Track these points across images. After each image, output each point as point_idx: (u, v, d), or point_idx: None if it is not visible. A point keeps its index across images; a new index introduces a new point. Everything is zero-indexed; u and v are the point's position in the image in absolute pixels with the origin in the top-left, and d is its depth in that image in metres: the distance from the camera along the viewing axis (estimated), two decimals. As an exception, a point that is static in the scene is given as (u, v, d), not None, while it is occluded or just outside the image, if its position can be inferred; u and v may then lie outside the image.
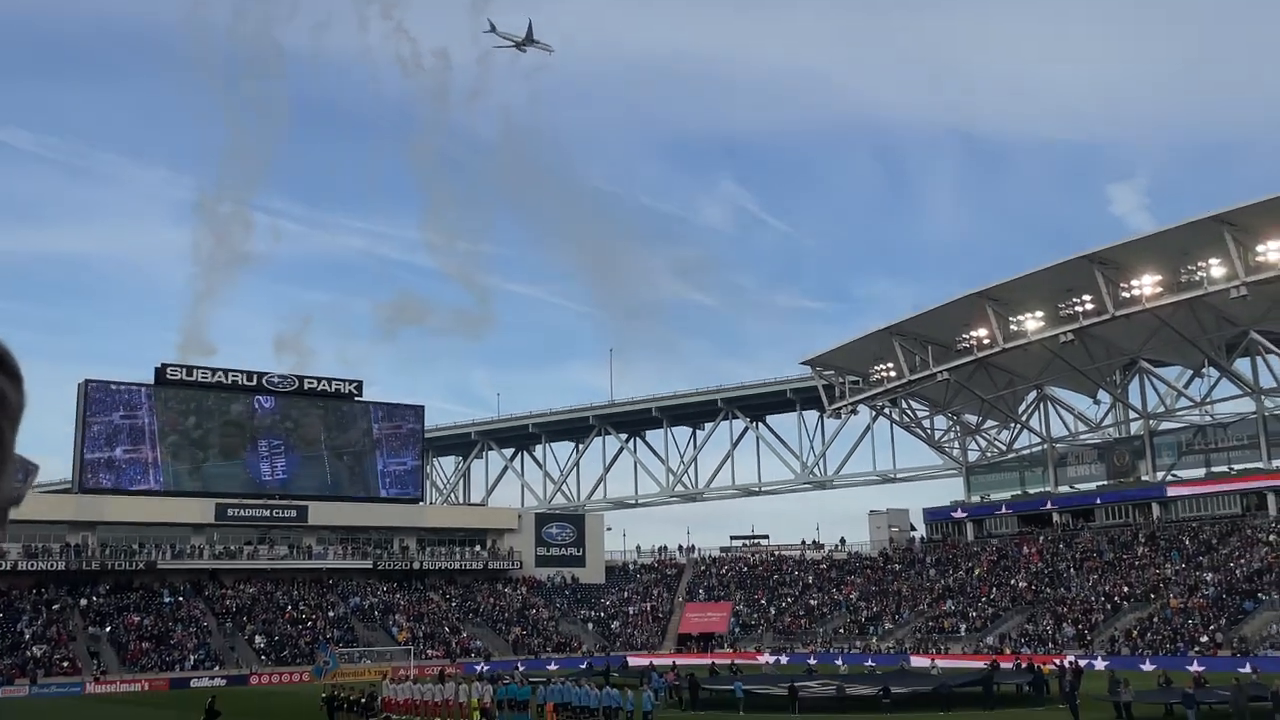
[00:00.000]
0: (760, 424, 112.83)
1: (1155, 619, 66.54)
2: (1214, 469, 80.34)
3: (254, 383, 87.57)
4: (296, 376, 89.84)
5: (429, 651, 77.24)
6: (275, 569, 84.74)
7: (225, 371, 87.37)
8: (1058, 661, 53.49)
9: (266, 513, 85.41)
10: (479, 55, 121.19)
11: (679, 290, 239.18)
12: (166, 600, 79.02)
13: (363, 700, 37.36)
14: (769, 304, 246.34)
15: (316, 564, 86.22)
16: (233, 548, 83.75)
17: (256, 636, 76.41)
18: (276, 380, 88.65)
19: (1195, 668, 54.51)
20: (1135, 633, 65.76)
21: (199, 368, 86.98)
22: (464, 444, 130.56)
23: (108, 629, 73.60)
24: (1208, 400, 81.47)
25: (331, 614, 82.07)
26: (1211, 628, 63.25)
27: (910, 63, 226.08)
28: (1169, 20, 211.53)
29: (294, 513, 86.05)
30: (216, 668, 71.36)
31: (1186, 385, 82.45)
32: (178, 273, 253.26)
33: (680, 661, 67.64)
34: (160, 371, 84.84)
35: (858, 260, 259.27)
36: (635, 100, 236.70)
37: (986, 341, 77.57)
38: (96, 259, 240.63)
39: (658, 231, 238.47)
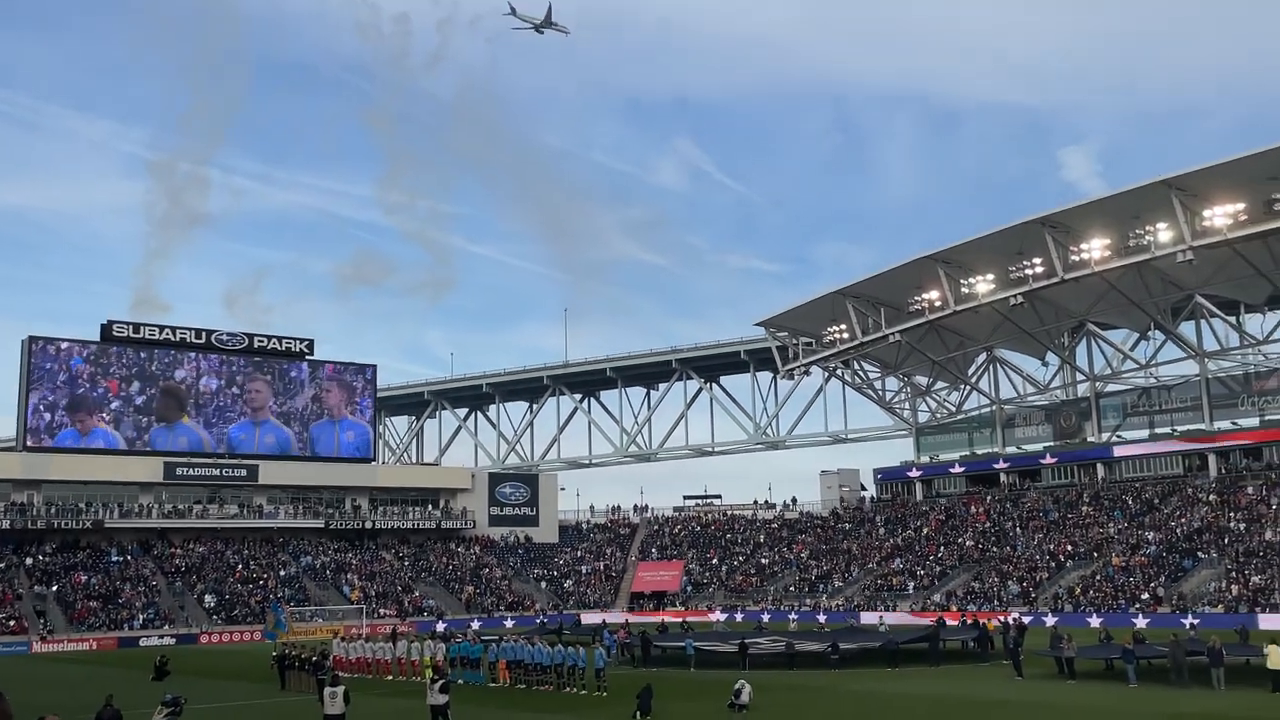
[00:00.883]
0: (714, 385, 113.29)
1: (1098, 577, 67.90)
2: (1158, 430, 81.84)
3: (203, 340, 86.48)
4: (246, 335, 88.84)
5: (381, 611, 77.24)
6: (225, 528, 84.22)
7: (173, 329, 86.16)
8: (1002, 618, 54.55)
9: (216, 472, 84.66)
10: (438, 21, 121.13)
11: (634, 250, 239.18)
12: (114, 559, 78.29)
13: (314, 659, 37.23)
14: (723, 265, 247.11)
15: (267, 523, 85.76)
16: (181, 507, 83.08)
17: (206, 596, 75.96)
18: (226, 338, 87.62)
19: (1140, 622, 55.89)
20: (1078, 590, 67.10)
21: (146, 325, 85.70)
22: (417, 404, 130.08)
23: (54, 588, 72.83)
24: (1153, 363, 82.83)
25: (283, 573, 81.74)
26: (1153, 585, 64.66)
27: (865, 26, 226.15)
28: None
29: (244, 472, 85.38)
30: (166, 627, 70.91)
31: (1133, 348, 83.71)
32: (128, 228, 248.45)
33: (632, 619, 68.19)
34: (106, 328, 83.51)
35: (813, 222, 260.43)
36: (592, 61, 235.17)
37: (938, 304, 78.21)
38: (42, 213, 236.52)
39: (613, 191, 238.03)
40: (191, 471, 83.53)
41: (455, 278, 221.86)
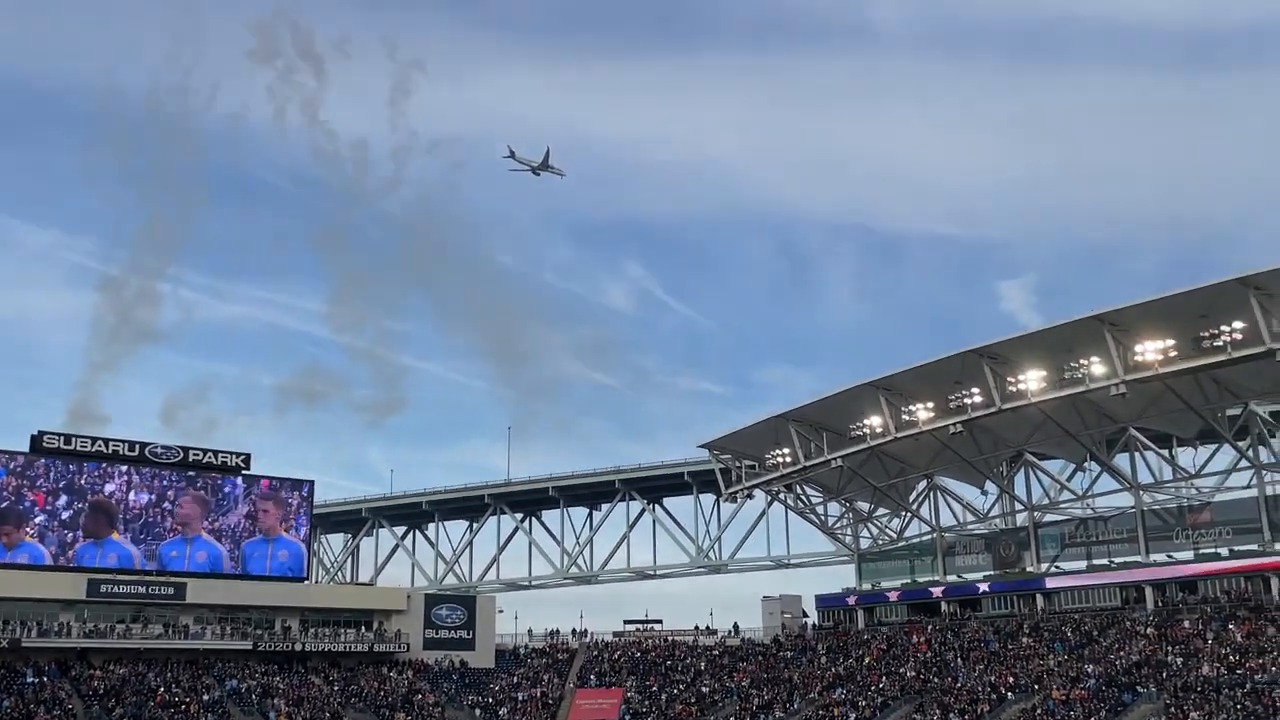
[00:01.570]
0: (657, 506, 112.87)
1: (1039, 710, 67.33)
2: (1095, 561, 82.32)
3: (136, 453, 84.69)
4: (181, 448, 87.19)
5: (308, 738, 74.46)
6: (148, 649, 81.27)
7: (105, 441, 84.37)
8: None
9: (142, 589, 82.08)
10: (394, 147, 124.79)
11: (582, 370, 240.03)
12: (30, 680, 75.02)
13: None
14: (670, 386, 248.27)
15: (193, 644, 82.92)
16: (103, 626, 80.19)
17: (124, 721, 72.88)
18: (160, 451, 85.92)
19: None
20: (1019, 724, 66.44)
21: (78, 437, 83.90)
22: (354, 521, 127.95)
23: (-38, 712, 69.53)
24: (1089, 494, 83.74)
25: (206, 697, 78.70)
26: (1093, 719, 64.21)
27: (811, 158, 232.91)
28: (1057, 126, 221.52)
29: (171, 590, 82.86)
30: (79, 755, 67.75)
31: (1069, 478, 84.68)
32: (68, 339, 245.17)
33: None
34: (36, 439, 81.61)
35: (758, 346, 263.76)
36: (545, 183, 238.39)
37: (879, 430, 78.88)
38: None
39: (563, 311, 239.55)
40: (116, 589, 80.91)
41: (403, 401, 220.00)
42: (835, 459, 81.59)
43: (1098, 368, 67.37)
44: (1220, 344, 63.02)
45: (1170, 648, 69.60)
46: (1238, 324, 62.14)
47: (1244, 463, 75.16)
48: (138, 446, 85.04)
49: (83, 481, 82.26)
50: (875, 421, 78.92)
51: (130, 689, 77.37)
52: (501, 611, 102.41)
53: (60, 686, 75.61)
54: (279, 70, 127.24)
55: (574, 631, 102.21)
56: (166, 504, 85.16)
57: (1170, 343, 64.63)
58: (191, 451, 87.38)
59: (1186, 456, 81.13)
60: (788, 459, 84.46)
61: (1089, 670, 70.34)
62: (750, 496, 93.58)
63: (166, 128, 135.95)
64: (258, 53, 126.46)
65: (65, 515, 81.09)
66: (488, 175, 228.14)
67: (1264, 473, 73.78)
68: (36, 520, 79.89)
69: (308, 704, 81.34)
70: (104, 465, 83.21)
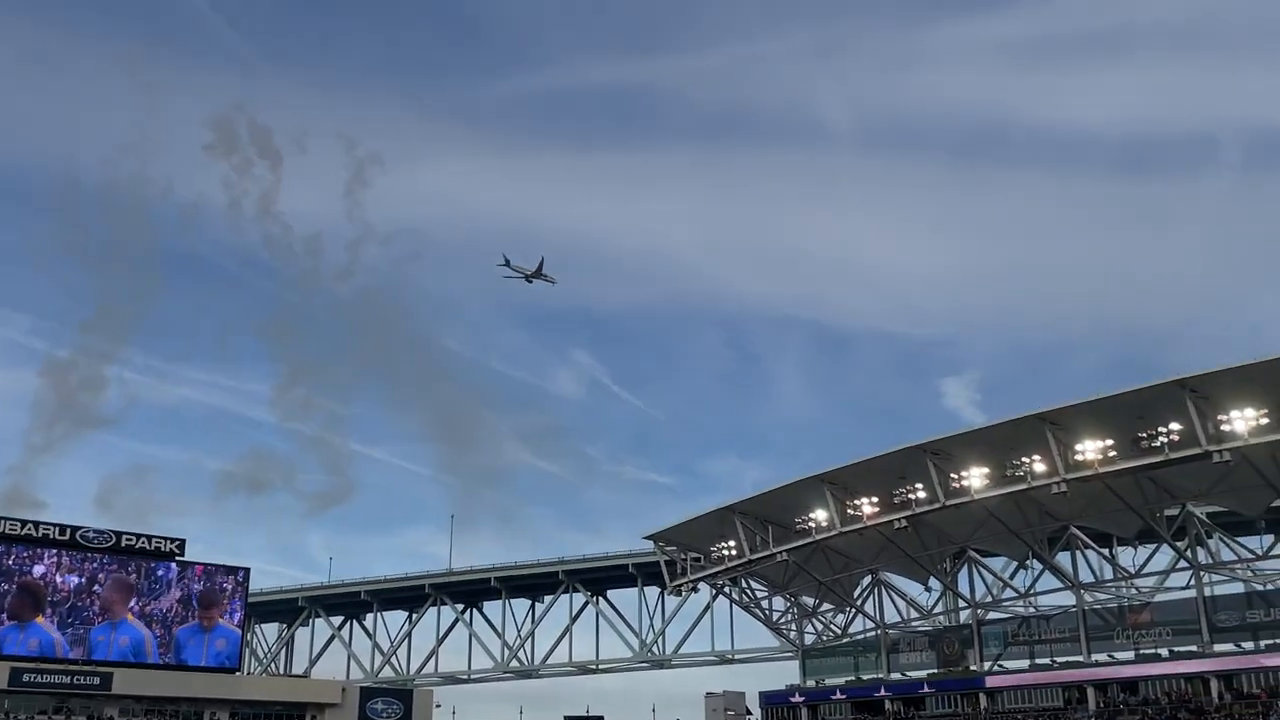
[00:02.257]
0: (601, 598, 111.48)
1: (982, 812, 66.64)
2: (1038, 660, 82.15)
3: (67, 537, 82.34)
4: (114, 532, 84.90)
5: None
6: (69, 742, 78.18)
7: (35, 524, 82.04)
8: None
9: (67, 679, 79.09)
10: (349, 238, 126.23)
11: (528, 458, 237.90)
12: (-60, 776, 71.82)
13: None
14: (616, 475, 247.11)
15: (117, 737, 79.92)
16: (23, 718, 77.03)
17: (40, 819, 69.73)
18: (92, 535, 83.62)
19: None
20: (963, 827, 65.63)
21: (8, 519, 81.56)
22: (290, 610, 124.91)
23: None
24: (1031, 592, 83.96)
25: (128, 794, 75.75)
26: (1036, 823, 63.61)
27: (760, 253, 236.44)
28: (1001, 227, 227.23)
29: (97, 680, 79.92)
30: None
31: (1012, 576, 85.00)
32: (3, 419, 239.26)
33: None
34: (-37, 522, 79.19)
35: (706, 437, 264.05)
36: (495, 270, 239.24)
37: (824, 524, 78.87)
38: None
39: (511, 398, 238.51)
40: (40, 679, 77.90)
41: (350, 489, 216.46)
42: (781, 553, 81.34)
43: (1039, 465, 68.12)
44: (1158, 444, 64.08)
45: (1113, 749, 69.41)
46: (1175, 425, 63.27)
47: (1183, 563, 75.96)
48: (69, 530, 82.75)
49: (10, 563, 79.67)
50: (821, 515, 78.95)
51: (48, 784, 74.21)
52: (439, 706, 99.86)
53: (-27, 781, 72.39)
54: (235, 164, 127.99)
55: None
56: (97, 587, 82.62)
57: (1109, 442, 65.62)
58: (124, 536, 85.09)
59: (1127, 556, 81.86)
60: (733, 552, 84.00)
61: (1032, 771, 69.86)
62: (695, 589, 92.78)
63: (119, 211, 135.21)
64: (216, 147, 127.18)
65: (-11, 599, 78.28)
66: (440, 263, 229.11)
67: (1202, 574, 74.52)
68: (-42, 605, 77.06)
69: (234, 801, 78.42)
70: (34, 549, 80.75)
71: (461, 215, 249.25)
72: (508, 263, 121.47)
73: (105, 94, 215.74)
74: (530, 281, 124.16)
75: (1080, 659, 78.86)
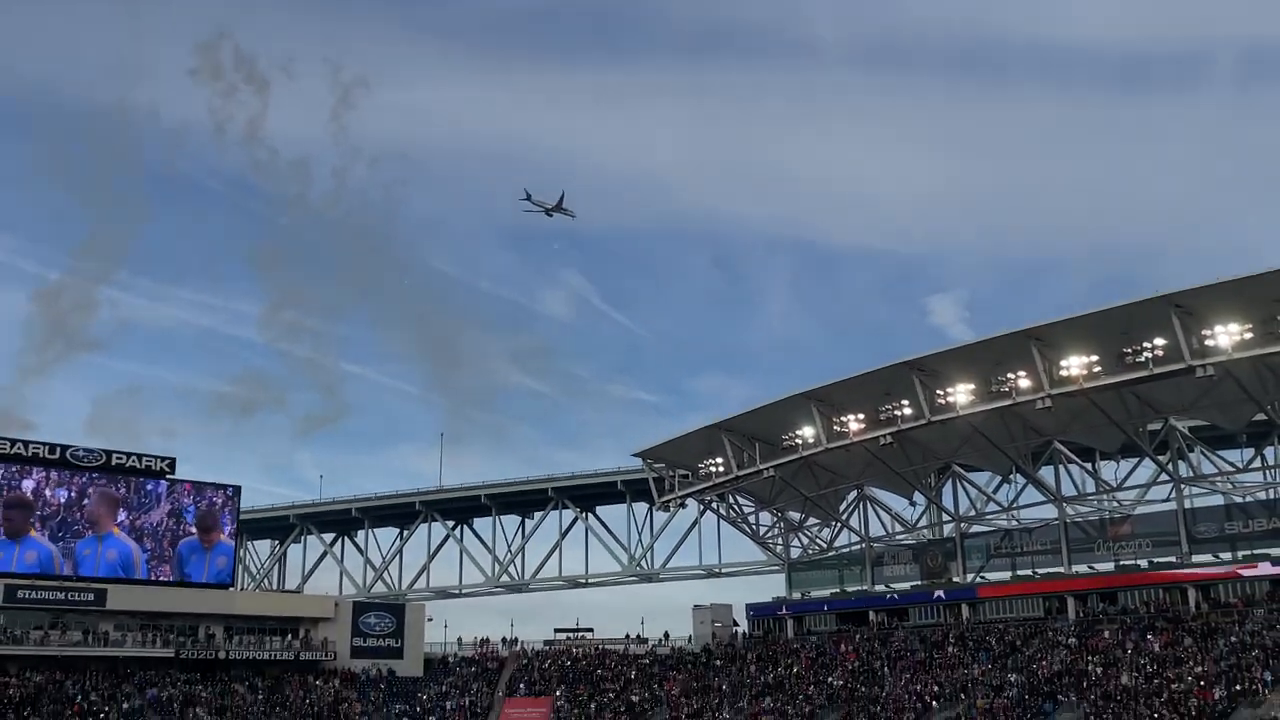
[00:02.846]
0: (590, 514, 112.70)
1: (963, 719, 68.26)
2: (1019, 572, 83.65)
3: (57, 456, 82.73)
4: (104, 451, 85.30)
5: (230, 747, 73.19)
6: (67, 656, 79.33)
7: (25, 443, 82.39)
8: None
9: (61, 595, 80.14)
10: (335, 163, 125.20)
11: (516, 377, 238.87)
12: (-61, 690, 72.95)
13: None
14: (604, 395, 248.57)
15: (113, 652, 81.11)
16: (19, 632, 78.12)
17: (39, 730, 71.04)
18: (82, 454, 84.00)
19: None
20: (944, 732, 67.30)
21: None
22: (282, 527, 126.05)
23: None
24: (1015, 505, 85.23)
25: (126, 706, 77.09)
26: (1015, 728, 65.27)
27: (746, 171, 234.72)
28: (989, 144, 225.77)
29: (91, 596, 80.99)
30: (-9, 765, 65.94)
31: (996, 490, 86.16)
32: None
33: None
34: (-48, 440, 79.47)
35: (694, 355, 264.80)
36: (484, 188, 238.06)
37: (811, 441, 79.52)
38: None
39: (499, 319, 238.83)
40: (34, 594, 78.92)
41: (344, 410, 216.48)
42: (767, 469, 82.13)
43: (1025, 381, 68.60)
44: (1142, 360, 64.49)
45: (1091, 657, 70.95)
46: (1159, 341, 63.63)
47: (1164, 476, 77.00)
48: (59, 449, 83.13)
49: (2, 477, 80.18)
50: (807, 432, 79.58)
51: (47, 697, 75.51)
52: (431, 620, 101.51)
53: (-28, 695, 73.54)
54: (221, 89, 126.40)
55: (504, 640, 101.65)
56: (86, 502, 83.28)
57: (1094, 358, 66.02)
58: (115, 455, 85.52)
59: (1109, 470, 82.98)
60: (721, 468, 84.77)
61: (1012, 679, 71.47)
62: (683, 506, 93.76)
63: (105, 135, 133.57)
64: (201, 72, 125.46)
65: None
66: (426, 184, 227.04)
67: (1182, 487, 75.63)
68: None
69: (231, 713, 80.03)
70: (23, 468, 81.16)
71: (448, 137, 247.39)
72: (529, 197, 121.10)
73: (89, 17, 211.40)
74: (550, 215, 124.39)
75: (1061, 570, 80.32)
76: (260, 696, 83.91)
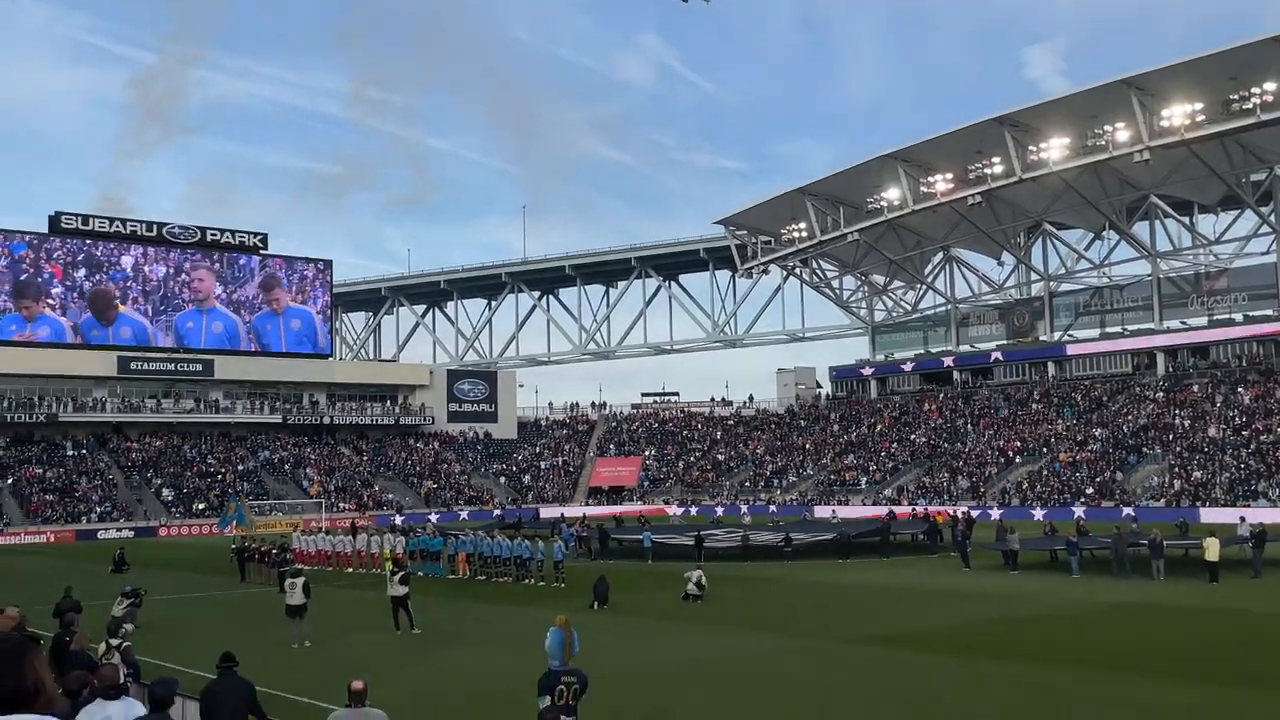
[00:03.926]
0: (673, 283, 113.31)
1: (1045, 472, 69.50)
2: (1109, 329, 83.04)
3: (154, 233, 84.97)
4: (199, 228, 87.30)
5: (341, 505, 77.70)
6: (181, 423, 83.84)
7: (123, 221, 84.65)
8: (951, 512, 55.79)
9: (171, 366, 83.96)
10: None
11: (598, 148, 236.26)
12: (70, 453, 77.92)
13: (274, 552, 37.48)
14: (687, 163, 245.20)
15: (224, 418, 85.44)
16: (135, 401, 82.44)
17: (164, 489, 75.99)
18: (178, 231, 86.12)
19: (1081, 514, 57.39)
20: (1025, 485, 68.70)
21: (96, 217, 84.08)
22: (374, 300, 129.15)
23: (9, 481, 72.52)
24: (1106, 263, 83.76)
25: (240, 468, 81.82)
26: (1098, 480, 66.31)
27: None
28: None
29: (199, 367, 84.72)
30: (124, 520, 71.00)
31: (1087, 248, 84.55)
32: (84, 120, 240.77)
33: (590, 514, 69.04)
34: (54, 220, 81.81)
35: (777, 120, 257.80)
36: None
37: (897, 203, 78.24)
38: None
39: (579, 88, 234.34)
40: (146, 366, 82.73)
41: (427, 188, 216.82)
42: (852, 232, 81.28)
43: (1122, 134, 66.06)
44: (1249, 107, 61.46)
45: (1178, 411, 71.09)
46: (1269, 86, 60.43)
47: (1265, 229, 74.70)
48: (155, 227, 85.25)
49: (99, 255, 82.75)
50: (893, 194, 78.19)
51: (167, 460, 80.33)
52: (522, 386, 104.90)
53: (99, 458, 78.52)
54: None
55: (593, 404, 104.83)
56: (183, 276, 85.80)
57: (1198, 106, 63.03)
58: (209, 231, 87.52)
59: (1207, 223, 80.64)
60: (804, 234, 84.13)
61: (1096, 434, 72.16)
62: (766, 272, 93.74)
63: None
64: None
65: (85, 286, 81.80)
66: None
67: (1284, 239, 73.41)
68: (54, 292, 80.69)
69: (339, 473, 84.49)
70: (122, 245, 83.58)
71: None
72: None
73: None
74: (686, 0, 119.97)
75: (1152, 326, 79.51)
76: (365, 458, 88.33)
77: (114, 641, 14.78)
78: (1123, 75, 64.71)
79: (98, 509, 71.66)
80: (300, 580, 24.87)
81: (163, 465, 79.54)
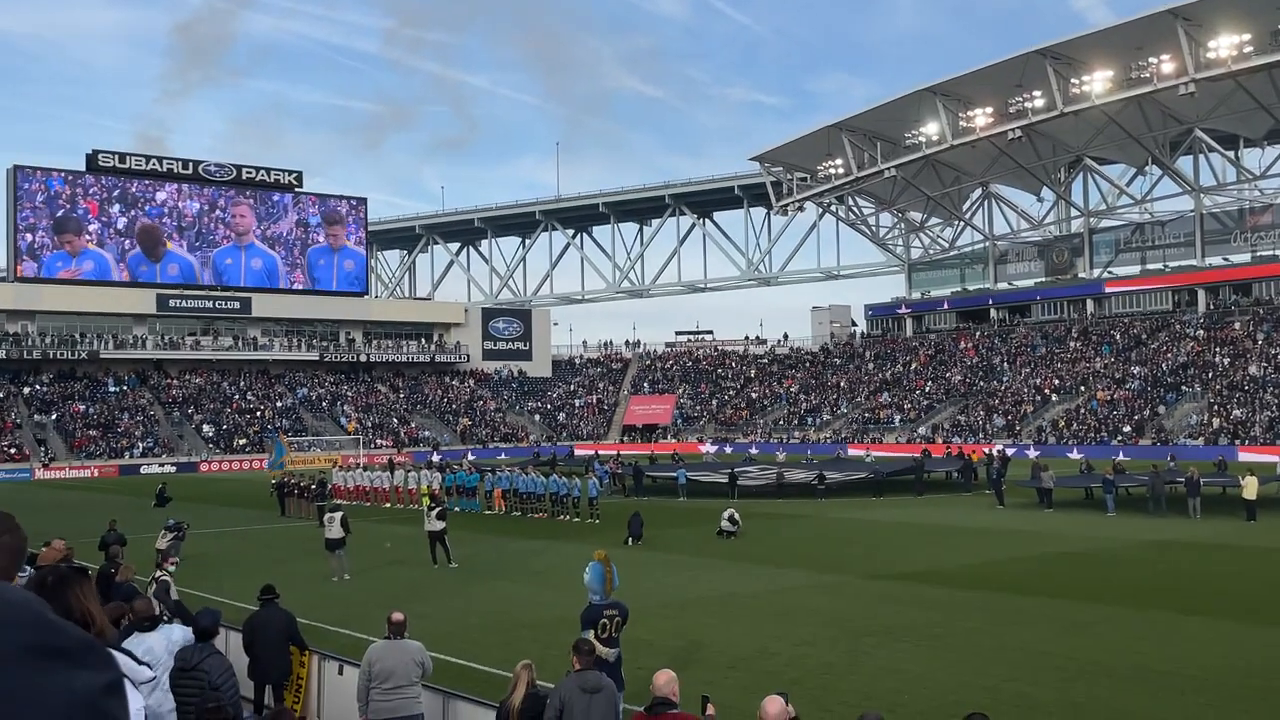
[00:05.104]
0: (707, 220, 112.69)
1: (1082, 410, 69.06)
2: (1149, 266, 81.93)
3: (190, 171, 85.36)
4: (235, 166, 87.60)
5: (378, 441, 78.56)
6: (220, 360, 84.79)
7: (159, 159, 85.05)
8: (986, 450, 55.64)
9: (209, 304, 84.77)
10: None
11: (631, 83, 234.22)
12: (112, 389, 79.11)
13: (313, 487, 38.03)
14: (723, 98, 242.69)
15: (263, 355, 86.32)
16: (175, 339, 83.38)
17: (205, 425, 77.11)
18: (214, 169, 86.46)
19: (1120, 455, 57.04)
20: (1062, 423, 68.34)
21: (133, 155, 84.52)
22: (408, 238, 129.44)
23: (53, 417, 73.82)
24: (1148, 198, 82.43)
25: (279, 404, 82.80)
26: (1136, 418, 65.85)
27: None
28: None
29: (237, 304, 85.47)
30: (165, 455, 72.19)
31: (1129, 184, 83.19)
32: (119, 57, 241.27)
33: (624, 451, 69.45)
34: (92, 158, 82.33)
35: (814, 54, 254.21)
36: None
37: (935, 138, 77.12)
38: (22, 39, 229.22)
39: (611, 21, 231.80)
40: (185, 303, 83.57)
41: (472, 131, 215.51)
42: (889, 169, 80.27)
43: (1167, 66, 64.58)
44: (1300, 37, 59.88)
45: (1219, 349, 70.27)
46: (1322, 15, 58.82)
47: (1312, 164, 73.12)
48: (191, 165, 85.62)
49: (135, 191, 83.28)
50: (931, 129, 77.04)
51: (207, 397, 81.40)
52: (556, 324, 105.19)
53: (140, 395, 79.68)
54: None
55: (627, 343, 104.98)
56: (218, 213, 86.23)
57: (1246, 37, 61.46)
58: (244, 169, 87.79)
59: (1252, 158, 78.96)
60: (840, 170, 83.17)
61: (1135, 372, 71.50)
62: (801, 209, 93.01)
63: None
64: None
65: (121, 224, 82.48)
66: None
67: (1332, 174, 71.87)
68: (90, 229, 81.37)
69: (376, 410, 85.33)
70: (159, 182, 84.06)
71: None
72: None
73: None
74: None
75: (1194, 263, 78.36)
76: (401, 395, 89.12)
77: (156, 574, 15.07)
78: (1169, 5, 63.12)
79: (140, 445, 72.88)
80: (339, 515, 25.22)
81: (203, 402, 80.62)
